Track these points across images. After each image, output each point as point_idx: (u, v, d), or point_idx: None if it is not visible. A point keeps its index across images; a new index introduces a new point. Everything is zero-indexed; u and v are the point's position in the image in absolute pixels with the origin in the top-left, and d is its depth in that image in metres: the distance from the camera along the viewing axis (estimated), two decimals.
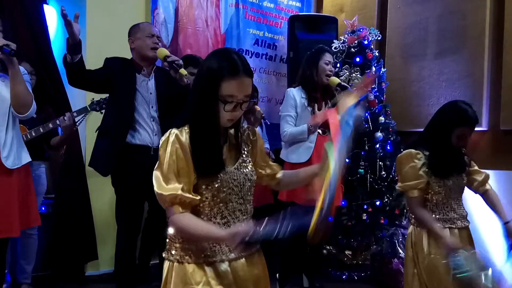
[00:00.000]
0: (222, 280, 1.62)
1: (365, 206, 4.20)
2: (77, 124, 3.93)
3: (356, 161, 4.26)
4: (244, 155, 1.72)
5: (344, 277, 4.22)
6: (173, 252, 1.65)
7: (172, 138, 1.58)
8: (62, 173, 4.10)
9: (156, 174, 1.59)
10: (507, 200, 2.66)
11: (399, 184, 2.54)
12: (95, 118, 4.02)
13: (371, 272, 4.19)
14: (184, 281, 1.60)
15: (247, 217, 1.70)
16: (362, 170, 4.23)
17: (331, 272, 4.26)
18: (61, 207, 4.02)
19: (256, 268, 1.72)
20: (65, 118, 3.49)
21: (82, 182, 4.09)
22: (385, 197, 4.26)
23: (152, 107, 3.45)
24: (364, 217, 4.19)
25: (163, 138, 1.61)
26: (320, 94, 3.69)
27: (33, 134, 3.45)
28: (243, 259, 1.67)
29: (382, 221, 4.24)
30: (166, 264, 1.67)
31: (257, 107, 4.21)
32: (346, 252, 4.34)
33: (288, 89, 3.87)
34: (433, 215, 2.48)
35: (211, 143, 1.60)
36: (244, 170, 1.69)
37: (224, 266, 1.63)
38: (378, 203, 4.21)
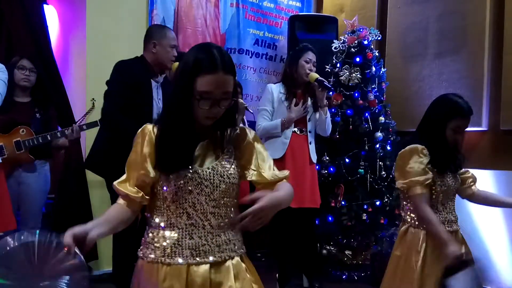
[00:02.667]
0: (173, 284, 1.53)
1: (365, 206, 4.20)
2: (76, 123, 3.95)
3: (356, 161, 4.26)
4: (225, 156, 1.61)
5: (344, 277, 4.22)
6: (142, 248, 1.63)
7: (138, 131, 1.60)
8: (63, 173, 4.10)
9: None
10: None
11: (401, 181, 2.36)
12: (95, 117, 4.03)
13: (371, 272, 4.19)
14: (143, 277, 1.59)
15: (223, 222, 1.58)
16: (362, 170, 4.23)
17: (331, 272, 4.26)
18: (61, 207, 4.03)
19: (224, 275, 1.57)
20: (73, 130, 3.48)
21: (82, 182, 4.09)
22: (385, 197, 4.26)
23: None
24: (364, 217, 4.19)
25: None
26: (302, 91, 3.74)
27: (40, 141, 3.44)
28: (207, 265, 1.55)
29: (382, 221, 4.24)
30: (138, 260, 1.66)
31: (239, 100, 4.21)
32: (346, 252, 4.34)
33: (268, 84, 3.95)
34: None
35: (178, 139, 1.54)
36: (221, 171, 1.58)
37: (182, 269, 1.54)
38: (378, 203, 4.21)
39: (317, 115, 3.76)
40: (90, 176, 4.13)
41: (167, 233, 1.57)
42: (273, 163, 1.71)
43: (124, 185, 1.59)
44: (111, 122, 3.27)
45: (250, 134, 1.71)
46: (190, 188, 1.54)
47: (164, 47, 3.34)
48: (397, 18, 4.91)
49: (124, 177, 1.62)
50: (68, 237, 1.44)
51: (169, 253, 1.55)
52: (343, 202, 4.20)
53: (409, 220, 2.43)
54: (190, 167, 1.55)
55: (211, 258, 1.56)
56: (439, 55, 4.51)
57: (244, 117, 4.34)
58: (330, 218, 4.27)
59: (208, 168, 1.57)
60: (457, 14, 4.38)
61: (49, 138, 3.46)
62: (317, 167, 4.30)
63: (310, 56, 3.73)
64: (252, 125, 4.37)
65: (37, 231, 1.48)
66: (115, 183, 1.61)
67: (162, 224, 1.58)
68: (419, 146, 2.35)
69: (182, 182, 1.54)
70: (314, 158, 3.81)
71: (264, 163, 1.69)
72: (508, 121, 4.01)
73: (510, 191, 3.82)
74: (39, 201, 3.63)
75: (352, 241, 4.32)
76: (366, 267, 4.26)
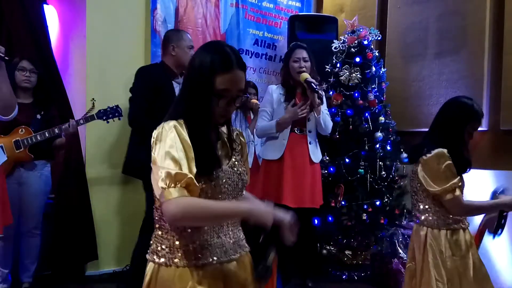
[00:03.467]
0: (210, 285, 1.52)
1: (365, 206, 4.20)
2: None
3: (356, 161, 4.26)
4: (235, 154, 1.65)
5: (344, 277, 4.22)
6: (159, 254, 1.55)
7: (170, 128, 1.48)
8: (62, 173, 4.10)
9: (154, 164, 1.47)
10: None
11: (437, 186, 2.39)
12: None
13: (371, 272, 4.19)
14: (168, 286, 1.51)
15: (239, 218, 1.62)
16: (362, 170, 4.23)
17: (331, 272, 4.26)
18: (61, 207, 4.03)
19: (246, 270, 1.63)
20: (69, 125, 3.52)
21: (82, 182, 4.09)
22: (385, 197, 4.26)
23: None
24: (364, 217, 4.20)
25: (157, 131, 1.50)
26: (300, 91, 3.73)
27: (38, 138, 3.46)
28: (235, 262, 1.60)
29: (382, 221, 4.24)
30: (150, 266, 1.56)
31: (254, 100, 4.23)
32: (346, 252, 4.34)
33: (269, 85, 3.99)
34: (448, 216, 2.46)
35: (207, 139, 1.54)
36: (238, 169, 1.62)
37: (214, 269, 1.54)
38: (378, 203, 4.21)
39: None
40: (90, 176, 4.14)
41: (196, 235, 1.54)
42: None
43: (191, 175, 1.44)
44: (139, 126, 3.40)
45: (243, 136, 1.77)
46: (218, 188, 1.55)
47: (182, 48, 3.54)
48: (397, 18, 4.91)
49: (175, 168, 1.42)
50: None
51: (201, 256, 1.53)
52: (343, 202, 4.20)
53: (430, 222, 2.48)
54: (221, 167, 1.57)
55: (237, 255, 1.61)
56: (439, 55, 4.51)
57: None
58: (330, 218, 4.27)
59: (229, 167, 1.60)
60: (457, 14, 4.38)
61: (47, 135, 3.48)
62: None
63: (298, 54, 3.71)
64: None
65: None
66: (181, 171, 1.41)
67: (187, 228, 1.53)
68: (443, 150, 2.40)
69: (213, 182, 1.54)
70: (315, 158, 3.77)
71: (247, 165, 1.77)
72: (508, 121, 4.01)
73: (510, 191, 3.82)
74: (40, 202, 3.65)
75: (352, 241, 4.32)
76: (366, 267, 4.26)
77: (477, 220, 2.88)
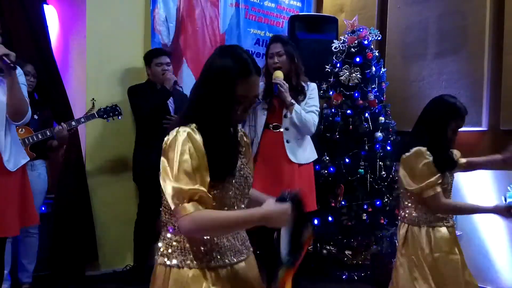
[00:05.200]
0: (223, 286, 1.54)
1: (365, 206, 4.20)
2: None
3: (356, 161, 4.26)
4: (241, 157, 1.65)
5: (344, 277, 4.22)
6: (170, 256, 1.54)
7: (183, 136, 1.47)
8: (62, 173, 4.10)
9: (165, 173, 1.46)
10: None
11: (415, 185, 2.43)
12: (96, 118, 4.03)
13: (371, 272, 4.19)
14: (182, 287, 1.52)
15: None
16: (362, 170, 4.22)
17: (331, 272, 4.26)
18: (61, 207, 4.03)
19: (253, 270, 1.67)
20: (61, 127, 3.51)
21: (82, 182, 4.09)
22: (385, 197, 4.25)
23: None
24: (364, 217, 4.19)
25: (170, 137, 1.49)
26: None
27: (40, 137, 3.46)
28: (243, 262, 1.62)
29: (382, 221, 4.24)
30: (161, 269, 1.56)
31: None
32: (346, 252, 4.35)
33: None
34: (429, 213, 2.48)
35: (228, 144, 1.55)
36: (244, 172, 1.62)
37: (226, 271, 1.56)
38: (378, 203, 4.21)
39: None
40: (90, 176, 4.14)
41: (206, 238, 1.54)
42: None
43: (204, 188, 1.46)
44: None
45: (247, 136, 1.77)
46: (230, 192, 1.56)
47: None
48: (397, 18, 4.90)
49: (190, 183, 1.44)
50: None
51: (212, 258, 1.54)
52: (343, 202, 4.20)
53: (411, 219, 2.54)
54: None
55: (244, 256, 1.62)
56: (439, 55, 4.51)
57: None
58: (330, 218, 4.26)
59: (237, 171, 1.59)
60: (457, 14, 4.37)
61: (48, 134, 3.49)
62: (317, 167, 4.30)
63: (272, 48, 3.49)
64: None
65: None
66: (194, 187, 1.44)
67: None
68: (422, 149, 2.43)
69: (225, 186, 1.54)
70: (296, 158, 3.46)
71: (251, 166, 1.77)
72: (508, 121, 4.00)
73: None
74: (38, 201, 3.62)
75: (352, 241, 4.32)
76: (366, 267, 4.26)
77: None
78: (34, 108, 3.60)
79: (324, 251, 4.32)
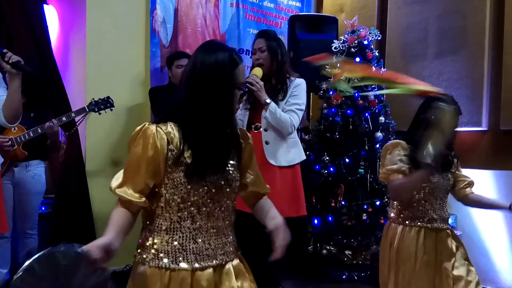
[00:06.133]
0: None
1: (365, 206, 4.20)
2: (77, 124, 3.94)
3: (356, 161, 4.26)
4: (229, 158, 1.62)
5: (344, 277, 4.22)
6: (139, 250, 1.58)
7: (136, 131, 1.55)
8: (62, 173, 4.10)
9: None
10: (507, 200, 2.65)
11: (381, 171, 2.47)
12: (96, 118, 4.03)
13: (371, 272, 4.19)
14: (141, 283, 1.54)
15: (224, 224, 1.59)
16: (362, 170, 4.23)
17: (331, 272, 4.26)
18: (61, 207, 4.02)
19: (224, 279, 1.57)
20: (51, 123, 3.46)
21: (82, 182, 4.08)
22: (385, 197, 4.25)
23: None
24: (364, 217, 4.19)
25: (136, 130, 1.56)
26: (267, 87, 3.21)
27: (31, 135, 3.43)
28: (211, 269, 1.55)
29: (382, 221, 4.23)
30: (134, 260, 1.60)
31: None
32: (346, 252, 4.34)
33: None
34: (406, 212, 2.49)
35: (221, 139, 1.56)
36: (226, 174, 1.58)
37: (185, 275, 1.52)
38: (378, 203, 4.21)
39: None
40: (90, 175, 4.14)
41: (170, 237, 1.54)
42: None
43: (124, 189, 1.54)
44: None
45: (250, 135, 1.74)
46: (196, 191, 1.53)
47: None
48: (397, 18, 4.91)
49: (120, 180, 1.56)
50: (96, 250, 1.36)
51: (173, 259, 1.52)
52: (343, 202, 4.20)
53: (392, 215, 2.57)
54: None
55: (214, 262, 1.56)
56: (439, 55, 4.51)
57: None
58: (330, 218, 4.26)
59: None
60: (457, 14, 4.38)
61: (39, 131, 3.45)
62: (317, 167, 4.30)
63: (255, 44, 3.30)
64: None
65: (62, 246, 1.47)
66: (113, 187, 1.56)
67: (164, 228, 1.54)
68: (401, 141, 2.46)
69: (189, 185, 1.52)
70: (276, 160, 3.19)
71: (257, 170, 1.75)
72: (508, 121, 4.01)
73: (510, 191, 3.82)
74: (34, 202, 3.62)
75: (352, 241, 4.31)
76: (366, 267, 4.26)
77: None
78: (32, 107, 3.60)
79: (324, 251, 4.32)
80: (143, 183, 1.53)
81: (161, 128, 1.53)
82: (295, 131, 3.32)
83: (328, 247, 4.35)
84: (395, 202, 2.54)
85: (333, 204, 4.21)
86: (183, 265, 1.52)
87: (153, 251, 1.54)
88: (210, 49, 1.58)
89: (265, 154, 3.16)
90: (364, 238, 4.32)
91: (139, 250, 1.58)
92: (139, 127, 1.55)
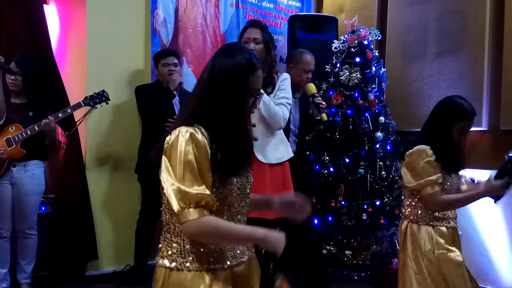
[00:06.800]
0: None
1: (365, 206, 4.20)
2: (77, 124, 3.94)
3: (356, 161, 4.26)
4: None
5: (344, 277, 4.21)
6: (170, 258, 1.54)
7: (186, 136, 1.45)
8: (62, 173, 4.09)
9: (168, 173, 1.45)
10: (507, 200, 2.65)
11: (414, 181, 2.44)
12: (95, 118, 4.04)
13: (371, 272, 4.19)
14: None
15: (245, 221, 1.64)
16: (362, 170, 4.23)
17: (331, 272, 4.26)
18: (61, 207, 4.02)
19: (252, 272, 1.67)
20: (48, 120, 3.45)
21: (82, 182, 4.08)
22: (385, 197, 4.26)
23: None
24: (364, 217, 4.19)
25: (172, 137, 1.48)
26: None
27: (28, 133, 3.43)
28: (243, 265, 1.61)
29: (382, 221, 4.24)
30: (161, 271, 1.55)
31: None
32: (346, 252, 4.34)
33: None
34: (429, 212, 2.49)
35: (241, 142, 1.56)
36: (247, 176, 1.63)
37: (225, 273, 1.55)
38: (378, 203, 4.21)
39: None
40: (90, 175, 4.14)
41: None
42: None
43: (203, 188, 1.45)
44: None
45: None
46: (229, 192, 1.54)
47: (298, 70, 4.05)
48: (397, 18, 4.90)
49: (196, 186, 1.43)
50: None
51: (213, 260, 1.54)
52: (343, 202, 4.20)
53: (411, 217, 2.54)
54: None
55: (246, 257, 1.62)
56: (439, 55, 4.51)
57: None
58: (330, 218, 4.26)
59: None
60: (457, 14, 4.37)
61: (36, 129, 3.45)
62: (317, 167, 4.30)
63: (248, 33, 3.20)
64: None
65: None
66: (201, 192, 1.43)
67: None
68: (425, 147, 2.45)
69: (228, 186, 1.53)
70: (263, 157, 3.14)
71: None
72: (508, 121, 4.01)
73: (510, 191, 3.81)
74: (33, 202, 3.61)
75: (352, 241, 4.31)
76: (366, 267, 4.26)
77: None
78: (31, 107, 3.60)
79: (324, 251, 4.31)
80: (209, 184, 1.49)
81: (201, 132, 1.50)
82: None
83: (328, 247, 4.35)
84: (419, 203, 2.50)
85: (333, 204, 4.21)
86: (222, 264, 1.55)
87: (189, 255, 1.53)
88: (228, 51, 1.58)
89: (254, 150, 3.13)
90: (364, 238, 4.32)
91: (170, 258, 1.54)
92: (176, 134, 1.47)
